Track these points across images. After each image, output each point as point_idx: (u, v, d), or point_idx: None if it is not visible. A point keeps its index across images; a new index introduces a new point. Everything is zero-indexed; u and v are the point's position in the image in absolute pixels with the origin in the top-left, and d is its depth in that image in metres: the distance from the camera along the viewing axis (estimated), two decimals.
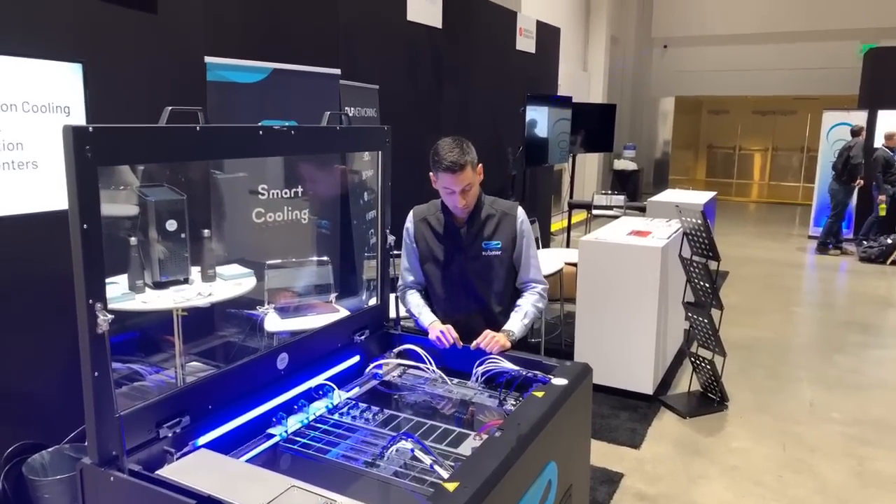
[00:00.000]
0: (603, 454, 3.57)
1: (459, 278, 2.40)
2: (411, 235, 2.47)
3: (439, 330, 2.23)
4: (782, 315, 6.49)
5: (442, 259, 2.41)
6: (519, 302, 2.43)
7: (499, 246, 2.38)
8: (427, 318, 2.39)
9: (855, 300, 7.05)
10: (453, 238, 2.39)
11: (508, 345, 2.22)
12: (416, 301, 2.47)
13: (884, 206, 8.81)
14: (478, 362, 2.13)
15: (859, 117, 9.88)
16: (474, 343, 2.19)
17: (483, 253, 2.38)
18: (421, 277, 2.50)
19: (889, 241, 8.70)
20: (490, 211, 2.40)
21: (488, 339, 2.18)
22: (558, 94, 8.57)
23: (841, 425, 4.05)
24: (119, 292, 2.65)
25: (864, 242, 9.04)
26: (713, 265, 4.09)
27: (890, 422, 4.11)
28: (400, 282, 2.53)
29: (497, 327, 2.32)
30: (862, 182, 8.99)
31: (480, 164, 2.33)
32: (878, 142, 9.36)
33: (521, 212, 2.44)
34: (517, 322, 2.35)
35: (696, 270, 4.17)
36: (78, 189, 1.27)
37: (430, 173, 2.31)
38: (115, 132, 1.35)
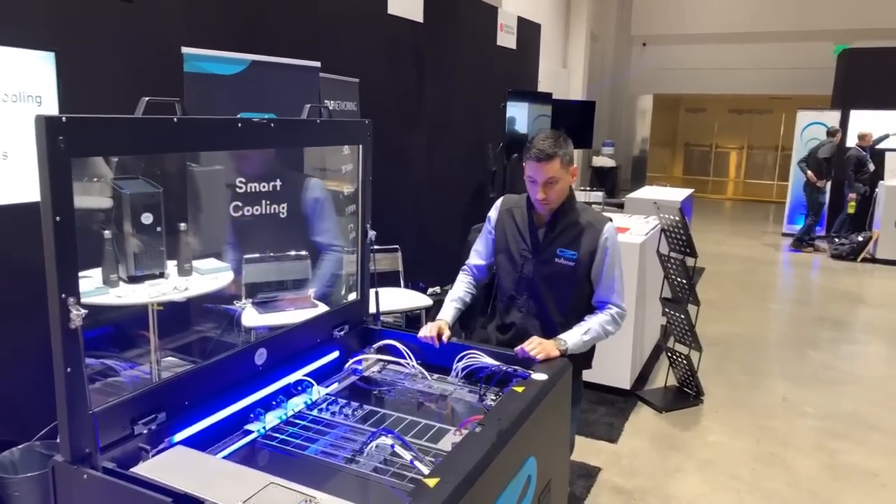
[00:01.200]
0: (580, 448, 3.59)
1: (527, 278, 2.32)
2: (492, 222, 2.43)
3: (429, 325, 2.20)
4: (757, 311, 6.59)
5: (515, 254, 2.35)
6: (587, 317, 2.29)
7: (574, 256, 2.27)
8: (443, 310, 2.36)
9: (827, 297, 7.20)
10: (531, 236, 2.32)
11: (556, 353, 2.08)
12: (455, 291, 2.43)
13: (853, 203, 9.00)
14: (458, 357, 2.12)
15: (832, 117, 10.07)
16: (518, 347, 2.07)
17: (555, 259, 2.28)
18: (482, 269, 2.47)
19: (860, 238, 8.89)
20: (576, 219, 2.30)
21: (535, 345, 2.06)
22: (538, 90, 8.59)
23: (813, 419, 4.13)
24: (93, 286, 2.59)
25: (836, 240, 9.22)
26: (690, 262, 4.14)
27: (861, 416, 4.20)
28: (467, 260, 2.50)
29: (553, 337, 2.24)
30: (823, 182, 9.17)
31: (576, 167, 2.27)
32: (851, 141, 9.55)
33: (609, 228, 2.30)
34: (575, 334, 2.19)
35: (674, 267, 4.21)
36: (50, 181, 1.23)
37: (524, 162, 2.28)
38: (89, 123, 1.32)
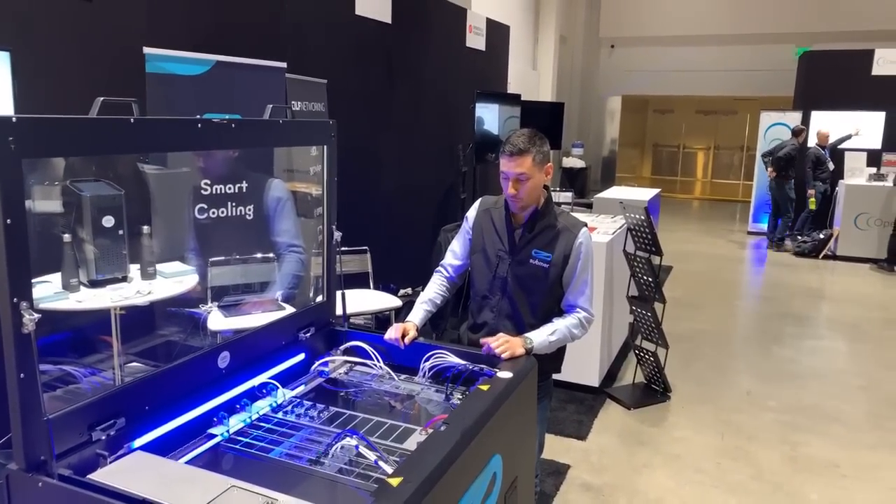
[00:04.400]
0: (550, 446, 3.61)
1: (501, 278, 2.32)
2: (470, 223, 2.43)
3: (395, 326, 2.20)
4: (722, 308, 6.72)
5: (491, 254, 2.35)
6: (554, 318, 2.30)
7: (549, 259, 2.28)
8: (412, 311, 2.35)
9: (791, 293, 7.37)
10: (508, 236, 2.33)
11: (521, 351, 2.08)
12: (426, 293, 2.43)
13: (813, 199, 9.23)
14: (424, 357, 2.12)
15: (794, 118, 10.31)
16: (484, 341, 2.08)
17: (530, 260, 2.29)
18: (458, 269, 2.47)
19: (821, 235, 9.12)
20: (553, 222, 2.31)
21: (500, 342, 2.06)
22: (508, 91, 8.64)
23: (776, 413, 4.23)
24: (52, 291, 2.53)
25: (799, 237, 9.44)
26: (656, 260, 4.20)
27: (822, 409, 4.31)
28: (442, 260, 2.50)
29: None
30: (779, 177, 9.36)
31: (551, 165, 2.29)
32: (812, 141, 9.78)
33: (584, 233, 2.32)
34: (541, 334, 2.21)
35: (640, 265, 4.28)
36: (0, 182, 1.21)
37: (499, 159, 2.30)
38: (40, 123, 1.30)
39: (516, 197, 2.23)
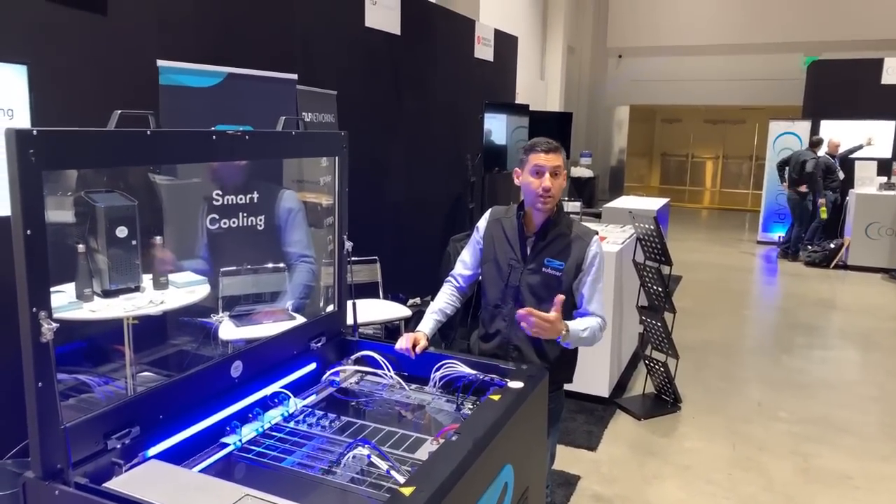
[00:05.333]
0: (560, 457, 3.59)
1: (513, 287, 2.34)
2: (481, 233, 2.45)
3: (406, 336, 2.22)
4: (733, 318, 6.69)
5: (503, 263, 2.36)
6: (584, 317, 2.30)
7: (561, 267, 2.30)
8: (422, 321, 2.37)
9: (801, 303, 7.32)
10: (519, 245, 2.35)
11: (559, 328, 2.10)
12: (436, 302, 2.45)
13: (823, 209, 9.17)
14: (435, 367, 2.13)
15: (803, 127, 10.28)
16: (524, 312, 2.07)
17: (543, 269, 2.31)
18: (468, 279, 2.49)
19: (832, 245, 9.06)
20: (565, 230, 2.33)
21: (538, 326, 2.06)
22: (516, 102, 8.67)
23: (787, 424, 4.20)
24: (66, 301, 2.56)
25: (809, 247, 9.39)
26: (666, 269, 4.19)
27: (832, 420, 4.27)
28: (452, 270, 2.53)
29: (539, 347, 2.30)
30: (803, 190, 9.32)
31: (566, 172, 2.36)
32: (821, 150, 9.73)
33: (596, 241, 2.35)
34: (576, 325, 2.21)
35: (650, 275, 4.27)
36: (21, 194, 1.23)
37: (516, 168, 2.33)
38: (60, 136, 1.32)
39: (550, 191, 2.25)
